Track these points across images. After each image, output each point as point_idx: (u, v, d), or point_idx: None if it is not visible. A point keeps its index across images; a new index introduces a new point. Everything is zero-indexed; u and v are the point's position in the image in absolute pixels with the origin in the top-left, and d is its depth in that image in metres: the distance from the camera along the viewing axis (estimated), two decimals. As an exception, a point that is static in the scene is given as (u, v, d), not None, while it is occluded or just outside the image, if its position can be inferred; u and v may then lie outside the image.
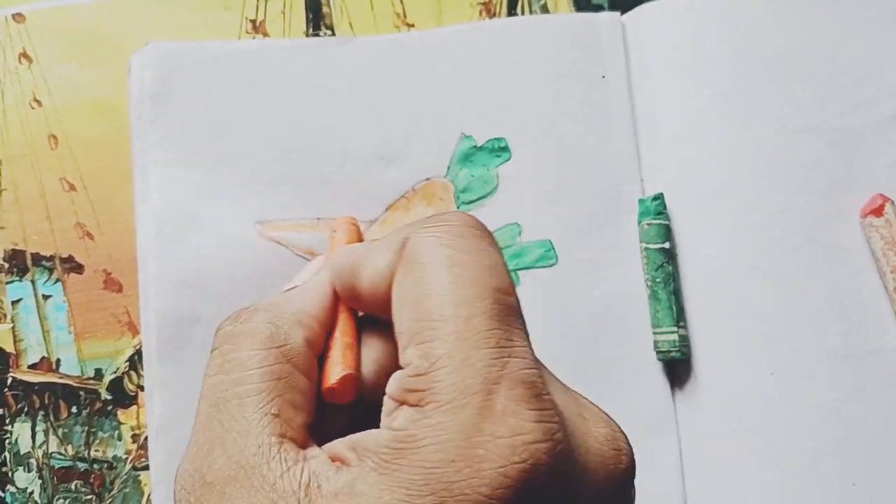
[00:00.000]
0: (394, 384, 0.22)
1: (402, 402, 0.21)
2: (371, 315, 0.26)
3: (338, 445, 0.22)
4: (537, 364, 0.22)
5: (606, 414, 0.24)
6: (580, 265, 0.38)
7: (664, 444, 0.37)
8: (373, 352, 0.26)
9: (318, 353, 0.25)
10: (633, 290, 0.38)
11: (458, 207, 0.40)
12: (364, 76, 0.40)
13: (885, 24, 0.39)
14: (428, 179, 0.40)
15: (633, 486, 0.24)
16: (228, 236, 0.38)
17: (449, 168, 0.40)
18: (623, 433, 0.24)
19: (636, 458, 0.38)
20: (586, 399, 0.24)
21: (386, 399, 0.22)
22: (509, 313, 0.22)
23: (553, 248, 0.39)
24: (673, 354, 0.37)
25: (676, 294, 0.37)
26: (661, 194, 0.38)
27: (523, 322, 0.22)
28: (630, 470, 0.23)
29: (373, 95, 0.40)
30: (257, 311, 0.25)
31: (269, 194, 0.39)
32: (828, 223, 0.37)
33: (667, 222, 0.38)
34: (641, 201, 0.39)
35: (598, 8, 0.43)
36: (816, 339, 0.36)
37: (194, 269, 0.38)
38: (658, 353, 0.37)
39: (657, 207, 0.38)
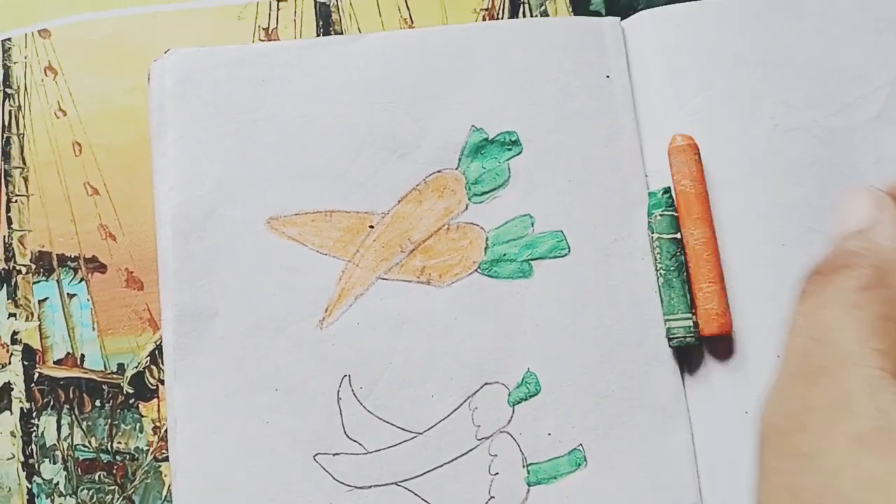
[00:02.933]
0: None
1: None
2: None
3: None
4: None
5: None
6: (592, 255, 0.37)
7: (676, 430, 0.36)
8: None
9: None
10: (642, 279, 0.37)
11: (469, 199, 0.38)
12: (375, 72, 0.39)
13: (870, 30, 0.39)
14: (439, 172, 0.39)
15: None
16: (244, 232, 0.37)
17: (460, 160, 0.39)
18: None
19: (649, 441, 0.36)
20: None
21: None
22: None
23: (565, 239, 0.38)
24: (688, 340, 0.36)
25: (688, 282, 0.37)
26: (670, 187, 0.38)
27: None
28: None
29: (383, 90, 0.39)
30: (855, 254, 0.24)
31: (283, 189, 0.38)
32: (823, 214, 0.37)
33: (676, 213, 0.37)
34: (652, 194, 0.38)
35: (596, 13, 0.42)
36: None
37: (212, 264, 0.37)
38: (672, 339, 0.36)
39: (667, 200, 0.37)
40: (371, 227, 0.38)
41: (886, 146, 0.38)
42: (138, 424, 0.38)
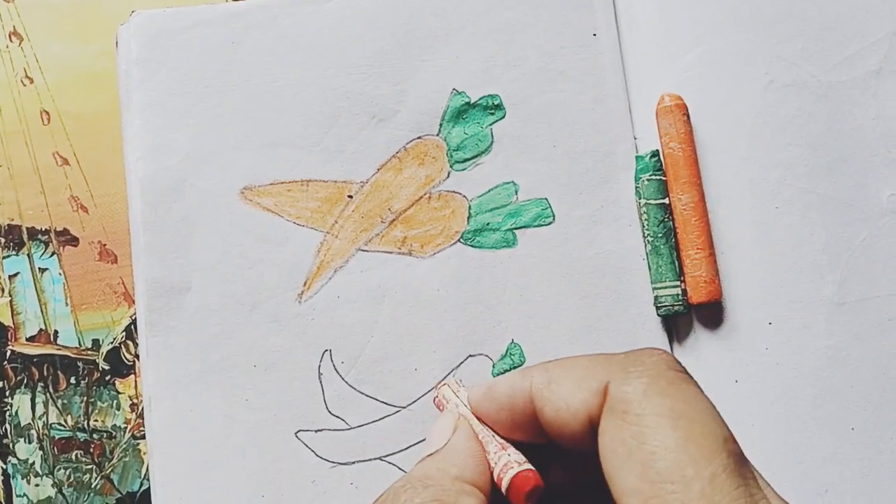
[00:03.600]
0: None
1: None
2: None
3: None
4: None
5: None
6: (577, 223, 0.36)
7: None
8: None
9: None
10: (630, 246, 0.36)
11: (451, 166, 0.37)
12: (351, 33, 0.37)
13: (867, -20, 0.38)
14: (420, 138, 0.37)
15: None
16: (216, 203, 0.36)
17: (441, 126, 0.37)
18: None
19: None
20: None
21: None
22: (743, 463, 0.20)
23: (550, 207, 0.36)
24: (676, 309, 0.34)
25: (676, 249, 0.35)
26: (658, 150, 0.36)
27: (753, 468, 0.20)
28: None
29: (361, 53, 0.37)
30: (416, 489, 0.23)
31: (256, 158, 0.36)
32: (819, 175, 0.36)
33: (664, 178, 0.36)
34: (639, 158, 0.36)
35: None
36: (812, 289, 0.35)
37: (183, 236, 0.35)
38: (659, 307, 0.35)
39: (655, 164, 0.35)
40: (350, 196, 0.36)
41: (886, 101, 0.37)
42: (115, 402, 0.37)
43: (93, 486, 0.37)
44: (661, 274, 0.35)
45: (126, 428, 0.37)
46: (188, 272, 0.35)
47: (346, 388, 0.35)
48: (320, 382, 0.35)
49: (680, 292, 0.35)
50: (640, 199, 0.36)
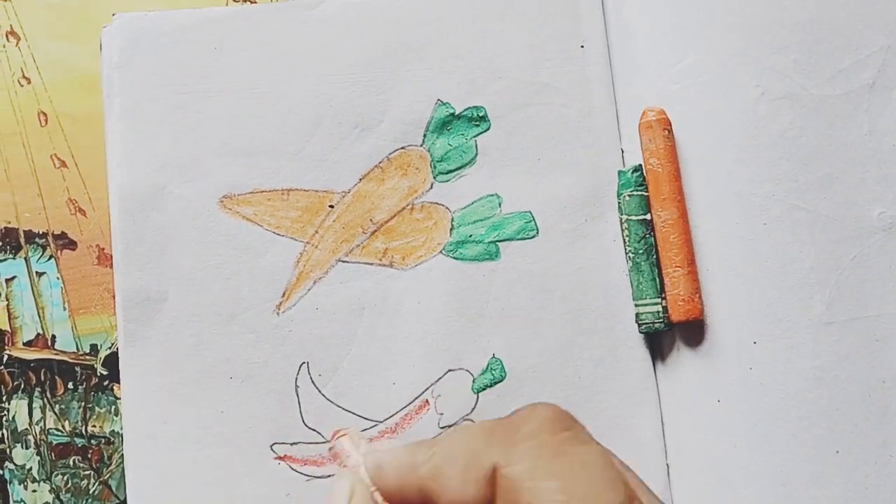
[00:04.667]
0: None
1: None
2: None
3: None
4: None
5: None
6: (561, 237, 0.35)
7: (646, 416, 0.34)
8: None
9: None
10: (614, 261, 0.35)
11: (434, 178, 0.35)
12: (335, 41, 0.36)
13: (862, -8, 0.34)
14: (403, 148, 0.35)
15: None
16: (195, 211, 0.34)
17: (425, 137, 0.36)
18: None
19: (618, 428, 0.33)
20: None
21: None
22: None
23: (534, 220, 0.35)
24: (656, 326, 0.33)
25: (658, 266, 0.34)
26: (641, 165, 0.34)
27: None
28: None
29: (344, 61, 0.35)
30: None
31: (236, 166, 0.35)
32: (809, 190, 0.34)
33: (646, 193, 0.34)
34: (622, 173, 0.34)
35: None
36: (800, 308, 0.33)
37: (161, 245, 0.34)
38: (640, 325, 0.34)
39: (637, 179, 0.34)
40: (331, 206, 0.35)
41: (879, 116, 0.34)
42: (113, 407, 0.36)
43: (91, 491, 0.36)
44: (641, 291, 0.34)
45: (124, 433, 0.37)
46: (165, 282, 0.34)
47: (323, 402, 0.34)
48: (297, 395, 0.34)
49: (660, 310, 0.34)
50: (622, 214, 0.35)
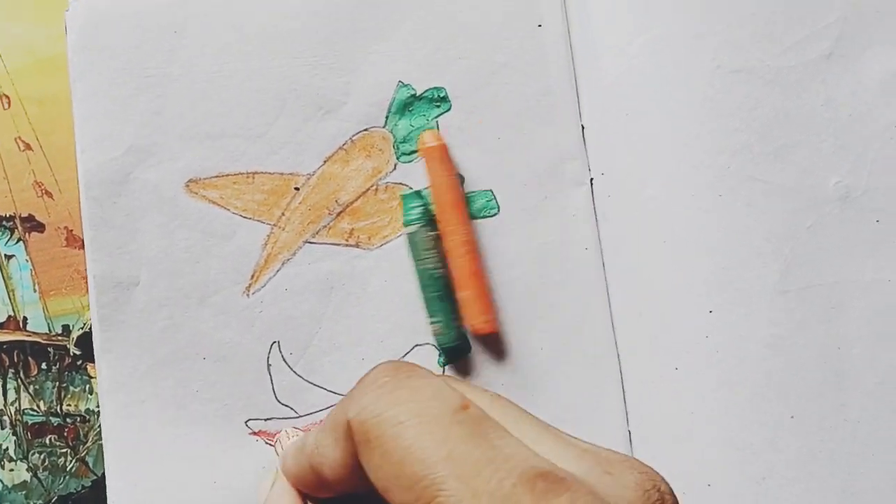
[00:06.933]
0: None
1: None
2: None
3: None
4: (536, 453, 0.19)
5: (633, 458, 0.21)
6: (522, 214, 0.35)
7: (607, 384, 0.35)
8: None
9: None
10: (575, 237, 0.35)
11: (398, 158, 0.36)
12: (297, 23, 0.35)
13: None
14: (366, 130, 0.36)
15: None
16: (162, 196, 0.34)
17: (387, 118, 0.36)
18: (657, 473, 0.20)
19: (581, 396, 0.34)
20: (607, 450, 0.21)
21: None
22: (479, 423, 0.20)
23: (495, 198, 0.35)
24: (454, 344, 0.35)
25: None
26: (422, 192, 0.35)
27: (494, 422, 0.20)
28: None
29: (307, 43, 0.35)
30: None
31: (201, 150, 0.35)
32: (765, 161, 0.34)
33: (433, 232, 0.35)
34: (406, 197, 0.35)
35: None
36: (755, 277, 0.34)
37: (129, 231, 0.34)
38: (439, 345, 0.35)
39: (424, 214, 0.35)
40: (296, 188, 0.35)
41: (836, 86, 0.35)
42: (87, 386, 0.37)
43: (68, 468, 0.36)
44: (437, 315, 0.35)
45: (99, 411, 0.37)
46: (136, 266, 0.34)
47: (294, 378, 0.34)
48: (269, 373, 0.34)
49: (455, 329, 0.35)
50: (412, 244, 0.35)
